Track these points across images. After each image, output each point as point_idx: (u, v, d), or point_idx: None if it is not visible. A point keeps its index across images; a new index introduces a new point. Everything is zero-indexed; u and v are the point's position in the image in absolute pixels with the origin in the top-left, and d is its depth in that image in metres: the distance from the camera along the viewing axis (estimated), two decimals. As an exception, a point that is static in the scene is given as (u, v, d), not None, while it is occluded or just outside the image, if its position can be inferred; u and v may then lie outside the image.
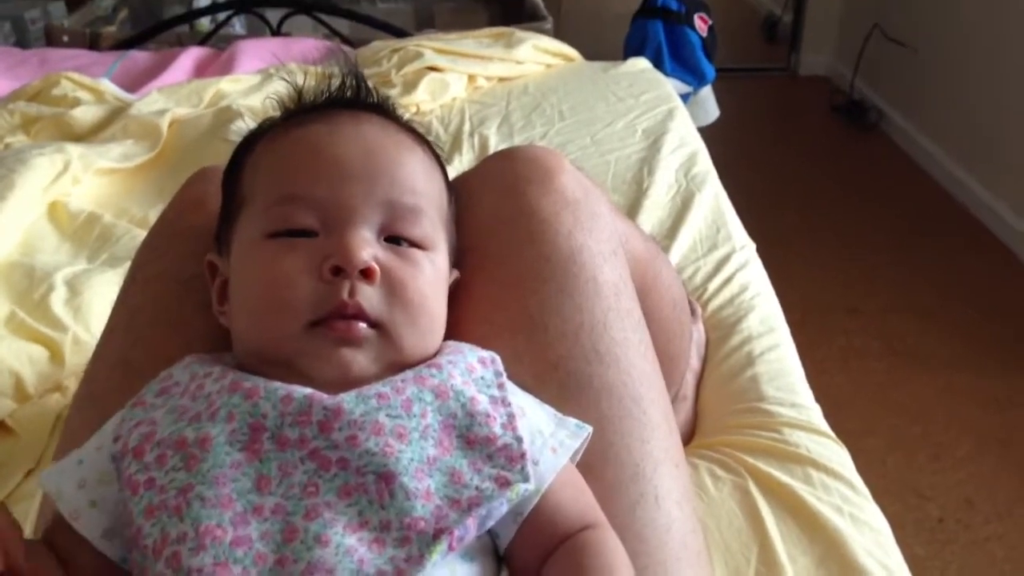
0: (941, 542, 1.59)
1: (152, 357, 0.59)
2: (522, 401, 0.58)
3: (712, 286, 1.16)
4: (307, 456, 0.51)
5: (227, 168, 0.64)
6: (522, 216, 0.67)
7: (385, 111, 0.64)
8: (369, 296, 0.55)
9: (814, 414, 0.93)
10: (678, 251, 1.25)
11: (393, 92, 1.72)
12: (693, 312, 1.07)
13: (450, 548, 0.49)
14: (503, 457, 0.52)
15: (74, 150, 1.41)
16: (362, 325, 0.55)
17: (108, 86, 1.74)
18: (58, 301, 1.09)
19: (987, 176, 2.73)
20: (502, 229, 0.67)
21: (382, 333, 0.56)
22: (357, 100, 0.64)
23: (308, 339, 0.54)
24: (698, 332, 1.06)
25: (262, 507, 0.49)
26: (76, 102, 1.65)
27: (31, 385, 1.00)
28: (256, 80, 1.78)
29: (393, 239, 0.58)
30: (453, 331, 0.62)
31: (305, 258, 0.55)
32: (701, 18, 2.40)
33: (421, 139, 0.65)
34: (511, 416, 0.54)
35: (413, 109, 1.73)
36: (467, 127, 1.68)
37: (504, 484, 0.51)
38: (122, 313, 0.70)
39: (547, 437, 0.56)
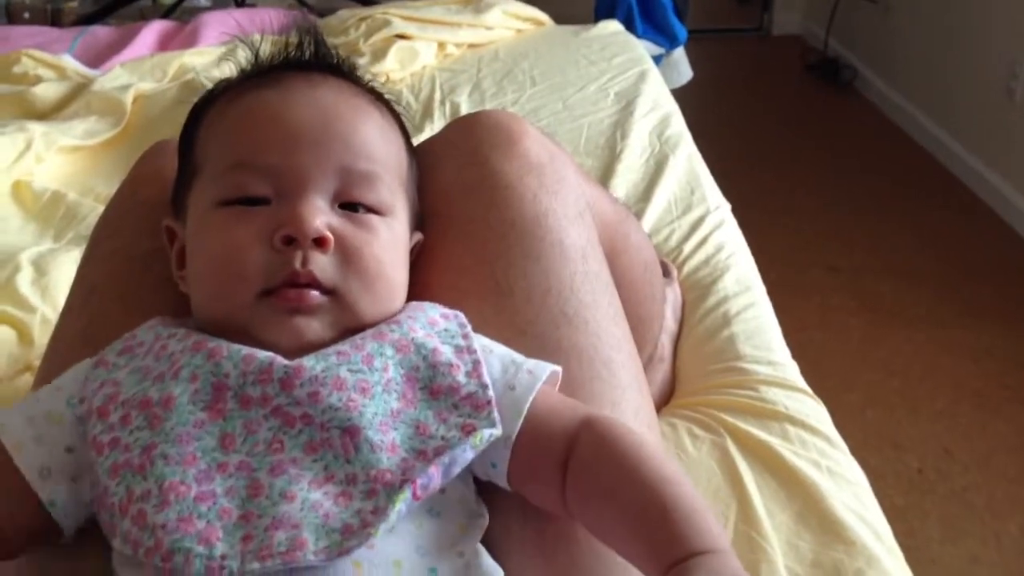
0: (921, 492, 1.61)
1: (110, 334, 0.58)
2: (488, 343, 0.58)
3: (687, 247, 1.16)
4: (270, 413, 0.51)
5: (182, 132, 0.63)
6: (486, 181, 0.66)
7: (341, 71, 0.63)
8: (323, 265, 0.54)
9: (790, 371, 0.94)
10: (653, 213, 1.25)
11: (362, 61, 1.70)
12: (668, 274, 1.07)
13: (415, 497, 0.49)
14: (469, 405, 0.52)
15: (36, 128, 1.39)
16: (314, 293, 0.54)
17: (70, 62, 1.70)
18: (24, 282, 1.07)
19: (960, 131, 2.73)
20: (466, 195, 0.66)
21: (337, 299, 0.55)
22: (312, 61, 0.63)
23: (260, 308, 0.54)
24: (674, 293, 1.05)
25: (226, 464, 0.49)
26: (37, 79, 1.62)
27: (0, 367, 0.98)
28: (220, 52, 1.75)
29: (349, 205, 0.57)
30: (419, 298, 0.61)
31: (257, 227, 0.55)
32: (672, -22, 2.38)
33: (380, 100, 0.63)
34: (476, 363, 0.54)
35: (383, 78, 1.70)
36: (438, 95, 1.66)
37: (470, 431, 0.51)
38: (80, 291, 0.69)
39: (520, 363, 0.56)
